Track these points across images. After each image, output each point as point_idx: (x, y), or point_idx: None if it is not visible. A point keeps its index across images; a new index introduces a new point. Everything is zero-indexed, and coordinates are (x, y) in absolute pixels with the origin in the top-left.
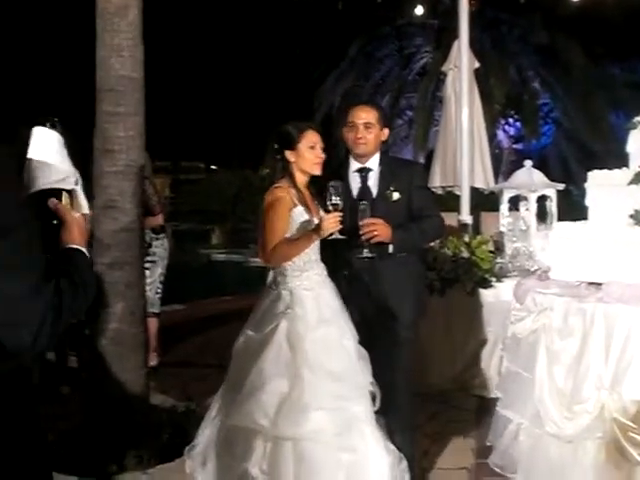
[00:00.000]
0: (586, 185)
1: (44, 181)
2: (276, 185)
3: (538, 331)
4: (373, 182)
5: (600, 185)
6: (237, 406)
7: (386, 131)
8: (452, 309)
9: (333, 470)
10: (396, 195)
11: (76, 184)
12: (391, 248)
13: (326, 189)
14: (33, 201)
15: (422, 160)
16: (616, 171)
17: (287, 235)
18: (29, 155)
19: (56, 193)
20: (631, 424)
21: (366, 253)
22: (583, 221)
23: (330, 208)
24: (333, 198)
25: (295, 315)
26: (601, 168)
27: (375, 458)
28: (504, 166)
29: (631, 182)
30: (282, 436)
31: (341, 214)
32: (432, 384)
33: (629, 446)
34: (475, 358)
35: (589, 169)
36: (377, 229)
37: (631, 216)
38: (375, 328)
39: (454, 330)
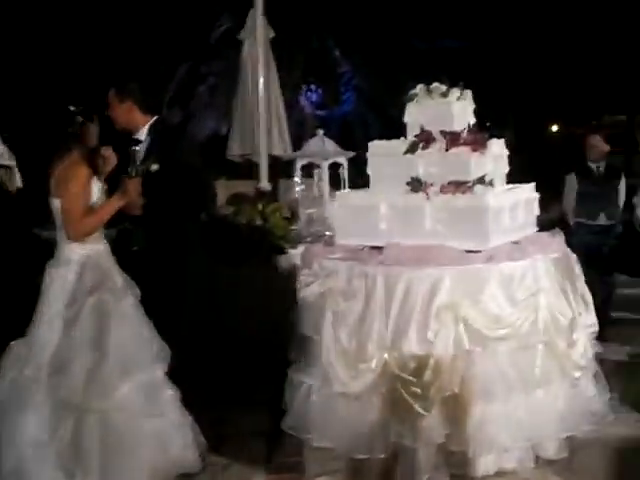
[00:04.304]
0: (367, 154)
1: None
2: (72, 160)
3: (324, 295)
4: (142, 153)
5: (380, 154)
6: (49, 381)
7: (128, 103)
8: (249, 277)
9: (140, 438)
10: (155, 166)
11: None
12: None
13: (129, 155)
14: None
15: (225, 128)
16: (394, 141)
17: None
18: None
19: None
20: (412, 379)
21: (126, 225)
22: (365, 189)
23: (133, 173)
24: (137, 162)
25: (105, 288)
26: (397, 134)
27: (178, 421)
28: (307, 132)
29: (407, 151)
30: (89, 409)
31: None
32: None
33: (411, 400)
34: (273, 325)
35: (390, 135)
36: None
37: (408, 183)
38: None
39: (254, 297)
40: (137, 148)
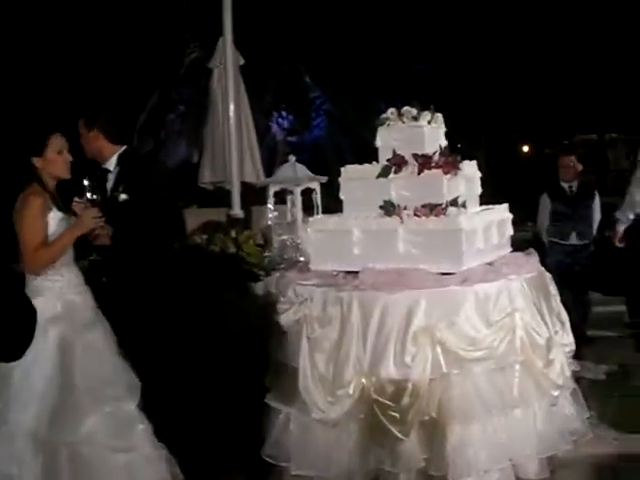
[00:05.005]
0: (340, 179)
1: None
2: (27, 192)
3: (300, 321)
4: (111, 183)
5: (352, 179)
6: (14, 414)
7: (95, 132)
8: (225, 306)
9: (111, 472)
10: (123, 196)
11: None
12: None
13: (83, 186)
14: None
15: (196, 156)
16: (366, 165)
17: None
18: None
19: None
20: (389, 403)
21: (95, 256)
22: (338, 214)
23: (88, 205)
24: (88, 194)
25: (65, 321)
26: (369, 158)
27: (150, 454)
28: (279, 158)
29: (379, 175)
30: (57, 442)
31: (98, 209)
32: None
33: (389, 424)
34: (249, 352)
35: (362, 159)
36: (101, 230)
37: (381, 207)
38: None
39: (230, 326)
40: (86, 182)
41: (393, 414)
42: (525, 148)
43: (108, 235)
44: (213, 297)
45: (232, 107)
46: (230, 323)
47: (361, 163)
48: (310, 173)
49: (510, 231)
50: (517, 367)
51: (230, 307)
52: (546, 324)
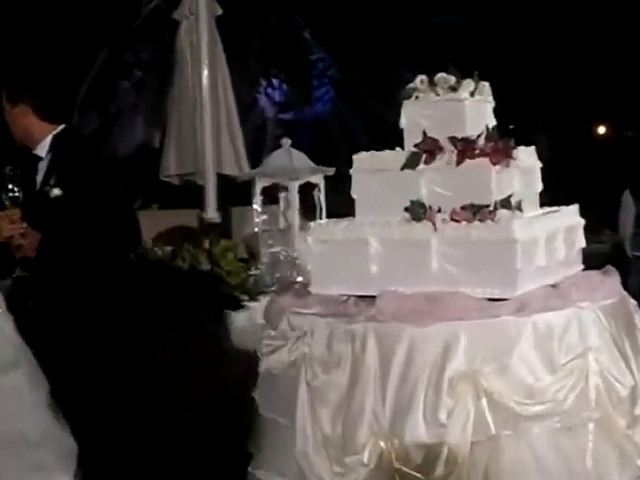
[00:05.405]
0: (351, 171)
1: None
2: None
3: (297, 364)
4: (41, 174)
5: (368, 171)
6: None
7: (22, 107)
8: (194, 341)
9: None
10: (56, 191)
11: None
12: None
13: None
14: None
15: (157, 139)
16: (387, 152)
17: None
18: None
19: None
20: (417, 475)
21: (19, 272)
22: (349, 218)
23: (6, 202)
24: (9, 187)
25: None
26: (391, 143)
27: None
28: (269, 142)
29: (404, 166)
30: None
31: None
32: None
33: None
34: (228, 406)
35: (381, 144)
36: (23, 238)
37: (407, 209)
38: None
39: (198, 367)
40: (6, 171)
41: None
42: (601, 129)
43: (31, 245)
44: (178, 329)
45: (205, 72)
46: (201, 365)
47: (380, 149)
48: (311, 162)
49: (582, 242)
50: (591, 427)
51: (202, 343)
52: (630, 369)
